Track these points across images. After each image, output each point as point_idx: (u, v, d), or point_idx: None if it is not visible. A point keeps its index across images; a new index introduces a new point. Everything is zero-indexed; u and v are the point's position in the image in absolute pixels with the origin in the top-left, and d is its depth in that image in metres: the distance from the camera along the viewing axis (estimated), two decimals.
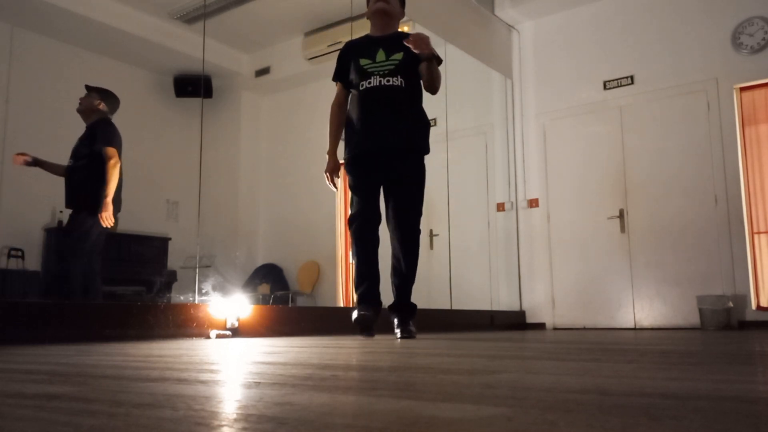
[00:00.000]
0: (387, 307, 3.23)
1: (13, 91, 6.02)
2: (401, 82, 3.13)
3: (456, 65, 6.16)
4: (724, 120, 5.51)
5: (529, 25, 6.71)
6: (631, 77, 6.01)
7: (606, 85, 6.14)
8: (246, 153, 8.05)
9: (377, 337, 3.14)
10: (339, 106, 3.32)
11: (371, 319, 3.08)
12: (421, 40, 2.97)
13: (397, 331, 3.13)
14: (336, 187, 3.31)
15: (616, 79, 6.08)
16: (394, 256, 3.17)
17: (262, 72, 7.74)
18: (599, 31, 6.24)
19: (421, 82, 3.18)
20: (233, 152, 7.89)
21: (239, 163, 7.94)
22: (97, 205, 4.03)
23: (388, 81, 3.13)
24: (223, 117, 7.82)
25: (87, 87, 4.41)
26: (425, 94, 3.26)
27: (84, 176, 4.12)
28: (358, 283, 3.15)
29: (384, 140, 3.14)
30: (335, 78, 3.36)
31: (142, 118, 7.32)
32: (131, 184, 6.96)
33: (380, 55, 3.20)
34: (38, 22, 6.27)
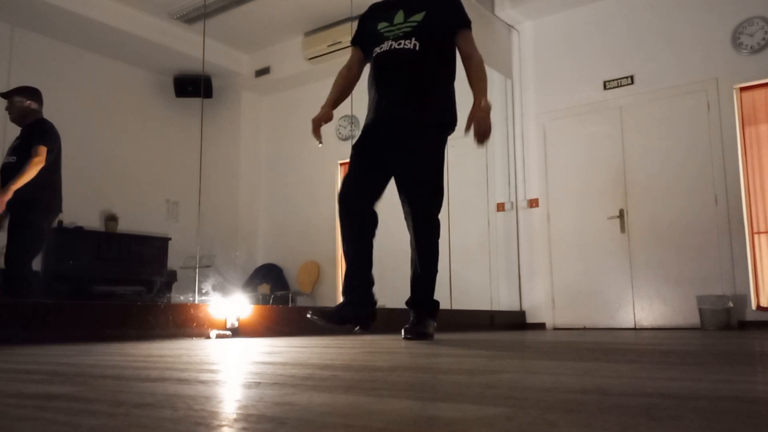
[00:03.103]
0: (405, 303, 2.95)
1: None
2: (415, 44, 2.78)
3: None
4: (724, 120, 5.50)
5: (529, 25, 6.70)
6: (631, 77, 6.01)
7: (606, 85, 6.14)
8: (246, 153, 8.05)
9: (378, 336, 3.13)
10: (348, 68, 3.04)
11: (351, 316, 2.73)
12: (483, 131, 2.70)
13: (403, 330, 2.80)
14: (321, 141, 2.92)
15: (616, 79, 6.08)
16: (411, 249, 2.86)
17: (262, 72, 7.75)
18: (599, 31, 6.24)
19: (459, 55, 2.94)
20: (233, 152, 7.90)
21: (239, 163, 7.94)
22: (33, 202, 3.99)
23: (399, 44, 2.80)
24: (223, 117, 7.83)
25: (3, 95, 4.23)
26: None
27: (16, 174, 4.03)
28: (346, 270, 2.79)
29: (392, 111, 2.79)
30: (353, 41, 3.06)
31: (142, 118, 7.33)
32: (131, 184, 7.00)
33: (399, 17, 2.88)
34: (38, 22, 6.27)
